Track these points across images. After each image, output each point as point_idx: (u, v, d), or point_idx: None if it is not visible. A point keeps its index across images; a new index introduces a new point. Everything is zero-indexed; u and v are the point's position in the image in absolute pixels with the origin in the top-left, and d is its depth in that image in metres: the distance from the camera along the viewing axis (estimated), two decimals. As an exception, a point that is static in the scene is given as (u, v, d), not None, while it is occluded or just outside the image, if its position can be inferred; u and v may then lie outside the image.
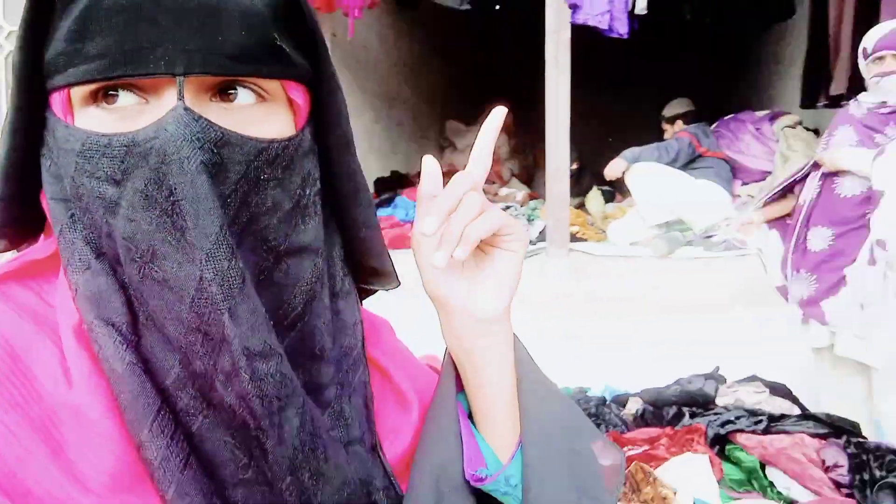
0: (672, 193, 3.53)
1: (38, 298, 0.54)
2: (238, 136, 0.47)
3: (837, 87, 3.00)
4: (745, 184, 3.85)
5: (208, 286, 0.45)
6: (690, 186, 3.58)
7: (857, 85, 2.95)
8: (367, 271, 0.61)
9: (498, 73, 6.86)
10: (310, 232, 0.53)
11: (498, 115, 0.58)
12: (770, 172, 3.72)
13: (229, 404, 0.47)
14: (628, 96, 6.27)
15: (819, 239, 2.26)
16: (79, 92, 0.48)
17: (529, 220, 3.97)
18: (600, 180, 4.58)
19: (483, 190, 0.58)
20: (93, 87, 0.47)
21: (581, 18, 3.50)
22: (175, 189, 0.45)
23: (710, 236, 3.42)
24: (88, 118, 0.48)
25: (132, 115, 0.48)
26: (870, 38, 2.21)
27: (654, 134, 4.23)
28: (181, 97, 0.46)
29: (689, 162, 3.75)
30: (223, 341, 0.46)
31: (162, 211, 0.46)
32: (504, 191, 4.65)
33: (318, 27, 0.54)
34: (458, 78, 6.87)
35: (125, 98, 0.48)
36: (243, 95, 0.49)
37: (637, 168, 3.65)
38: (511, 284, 0.56)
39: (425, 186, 0.56)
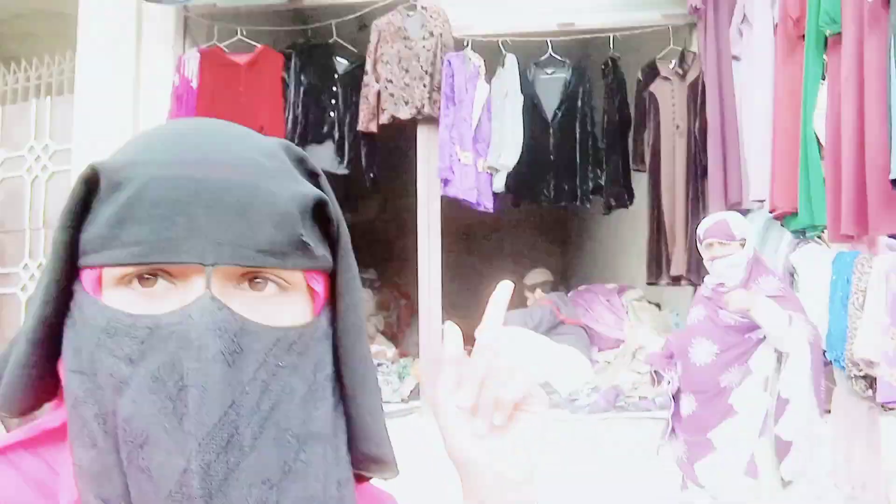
0: (536, 358, 3.72)
1: (48, 467, 0.54)
2: (258, 326, 0.50)
3: (676, 268, 3.43)
4: (601, 350, 4.15)
5: (190, 479, 0.46)
6: (554, 351, 3.81)
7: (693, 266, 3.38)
8: (367, 458, 0.61)
9: (363, 230, 7.08)
10: (321, 418, 0.55)
11: (506, 289, 0.62)
12: (623, 340, 4.04)
13: None
14: (490, 262, 6.67)
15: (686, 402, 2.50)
16: (111, 273, 0.51)
17: (400, 377, 3.99)
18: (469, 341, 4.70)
19: None
20: (126, 270, 0.50)
21: (451, 192, 3.75)
22: (186, 374, 0.47)
23: (574, 400, 3.59)
24: (117, 297, 0.51)
25: (159, 297, 0.50)
26: (701, 227, 2.58)
27: (516, 299, 4.50)
28: (208, 286, 0.49)
29: (551, 328, 4.02)
30: None
31: (167, 395, 0.47)
32: (373, 348, 4.67)
33: (343, 221, 0.59)
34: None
35: (155, 282, 0.50)
36: (267, 285, 0.52)
37: (504, 332, 3.83)
38: (536, 445, 0.58)
39: (450, 351, 0.58)
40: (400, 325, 5.86)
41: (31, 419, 0.57)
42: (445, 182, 3.71)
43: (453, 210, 3.97)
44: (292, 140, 3.95)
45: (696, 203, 3.53)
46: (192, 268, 0.50)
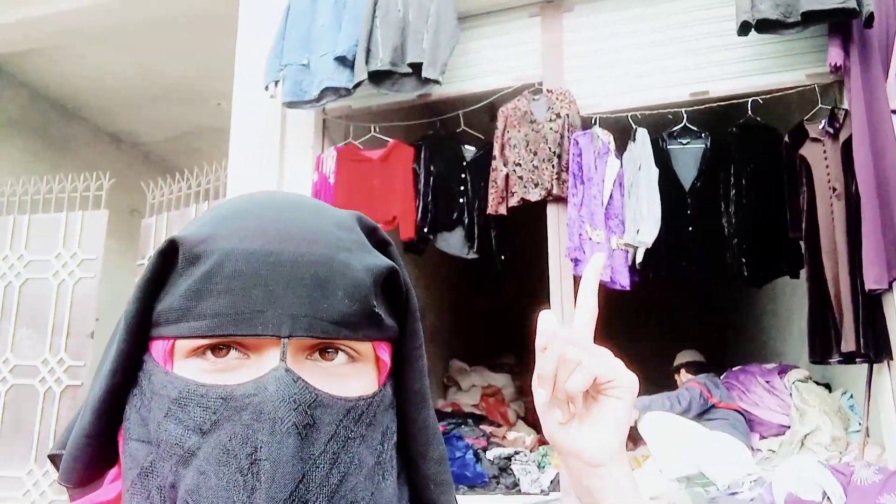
0: (690, 446, 3.42)
1: None
2: (329, 397, 0.50)
3: (847, 344, 3.05)
4: (763, 437, 3.76)
5: None
6: (708, 439, 3.49)
7: (869, 342, 3.01)
8: None
9: (502, 316, 7.02)
10: (389, 488, 0.54)
11: (598, 262, 0.64)
12: (788, 426, 3.64)
13: None
14: (632, 344, 6.36)
15: None
16: (185, 344, 0.51)
17: (540, 466, 3.80)
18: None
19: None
20: (200, 342, 0.50)
21: (582, 272, 3.62)
22: (260, 448, 0.46)
23: (734, 493, 3.24)
24: (188, 368, 0.51)
25: (231, 369, 0.50)
26: None
27: (659, 382, 4.22)
28: (284, 358, 0.49)
29: (702, 413, 3.70)
30: None
31: (237, 468, 0.46)
32: (512, 434, 4.52)
33: (412, 291, 0.58)
34: (461, 319, 7.02)
35: (227, 353, 0.51)
36: (338, 355, 0.52)
37: (650, 418, 3.58)
38: (619, 429, 0.59)
39: (539, 340, 0.59)
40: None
41: (89, 491, 0.56)
42: (576, 262, 3.61)
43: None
44: (423, 228, 4.02)
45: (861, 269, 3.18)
46: (267, 340, 0.50)
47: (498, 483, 3.74)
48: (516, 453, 3.92)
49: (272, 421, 0.47)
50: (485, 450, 4.04)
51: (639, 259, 3.60)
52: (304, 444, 0.47)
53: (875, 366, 3.23)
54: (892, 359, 3.12)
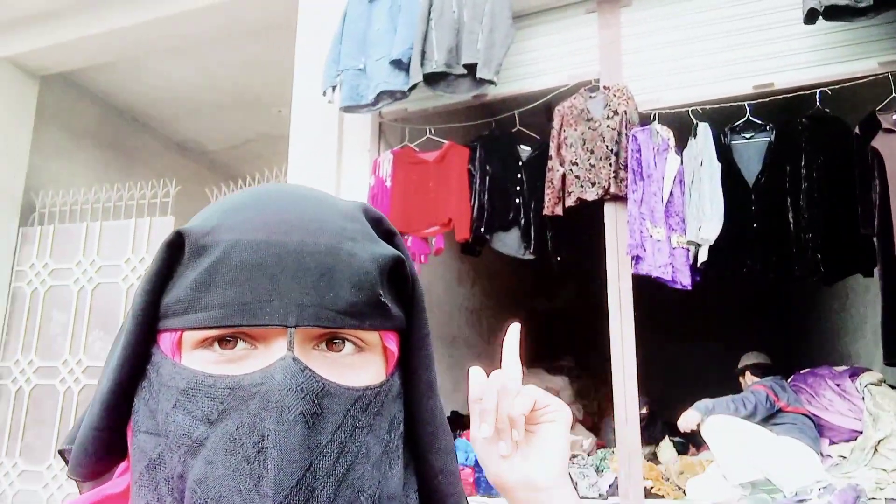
0: (755, 450, 3.30)
1: None
2: (337, 387, 0.50)
3: (927, 345, 2.90)
4: (833, 443, 3.60)
5: None
6: (774, 443, 3.36)
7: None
8: None
9: (559, 317, 6.96)
10: (395, 477, 0.54)
11: (514, 332, 0.67)
12: (860, 432, 3.48)
13: None
14: (695, 345, 6.21)
15: None
16: (192, 336, 0.51)
17: (598, 470, 3.73)
18: (672, 429, 4.36)
19: None
20: (207, 333, 0.50)
21: (644, 270, 3.55)
22: (267, 436, 0.46)
23: (802, 500, 3.12)
24: (196, 359, 0.51)
25: (238, 359, 0.51)
26: None
27: (723, 385, 4.09)
28: (290, 347, 0.49)
29: (769, 417, 3.57)
30: None
31: (244, 457, 0.46)
32: (570, 437, 4.46)
33: (418, 281, 0.59)
34: (519, 321, 6.96)
35: (235, 344, 0.51)
36: (345, 345, 0.53)
37: (714, 422, 3.48)
38: (558, 453, 0.61)
39: (473, 393, 0.62)
40: (601, 414, 5.56)
41: (98, 485, 0.57)
42: (636, 260, 3.53)
43: (648, 289, 3.75)
44: (479, 229, 4.01)
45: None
46: (274, 330, 0.50)
47: (556, 486, 3.69)
48: (574, 456, 3.87)
49: (279, 409, 0.47)
50: (542, 453, 3.99)
51: (702, 258, 3.51)
52: (311, 433, 0.47)
53: (957, 368, 3.06)
54: (976, 361, 2.96)
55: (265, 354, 0.50)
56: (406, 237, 4.12)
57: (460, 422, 4.69)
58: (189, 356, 0.52)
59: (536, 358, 6.41)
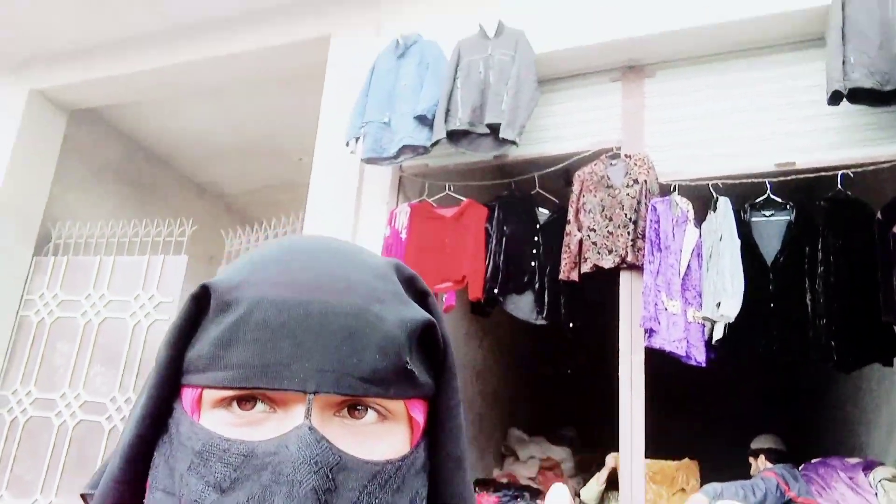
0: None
1: None
2: (354, 460, 0.47)
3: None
4: (847, 538, 3.46)
5: None
6: (786, 532, 3.24)
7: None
8: None
9: (566, 385, 6.84)
10: None
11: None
12: (877, 528, 3.34)
13: None
14: (706, 423, 6.07)
15: None
16: (211, 393, 0.50)
17: (600, 549, 3.59)
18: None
19: None
20: (227, 392, 0.49)
21: (657, 343, 3.49)
22: None
23: None
24: (214, 419, 0.50)
25: (257, 422, 0.49)
26: None
27: (733, 465, 3.97)
28: (308, 415, 0.47)
29: (779, 505, 3.45)
30: None
31: None
32: (571, 512, 4.31)
33: (450, 346, 0.56)
34: (524, 387, 6.86)
35: (254, 406, 0.49)
36: (367, 413, 0.50)
37: (724, 505, 3.36)
38: None
39: None
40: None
41: None
42: (650, 333, 3.47)
43: (660, 364, 3.68)
44: (492, 289, 3.98)
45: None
46: (293, 395, 0.48)
47: (554, 561, 3.55)
48: (576, 531, 3.73)
49: (290, 484, 0.45)
50: (542, 525, 3.87)
51: (717, 334, 3.45)
52: None
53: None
54: None
55: (283, 419, 0.48)
56: (417, 292, 4.09)
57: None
58: (208, 415, 0.50)
59: (539, 425, 6.27)
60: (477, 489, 4.50)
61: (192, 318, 0.52)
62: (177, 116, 5.88)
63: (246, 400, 0.49)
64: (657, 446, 3.66)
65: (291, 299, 0.49)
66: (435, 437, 0.56)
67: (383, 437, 0.51)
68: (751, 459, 3.98)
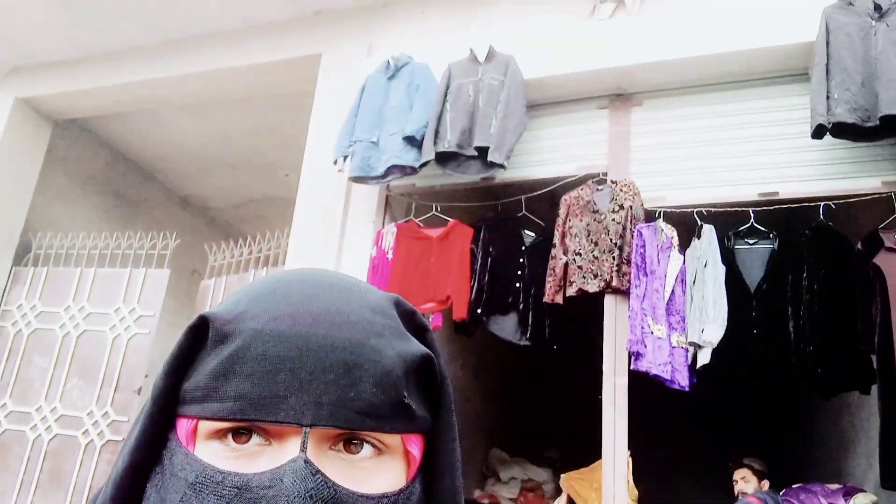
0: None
1: None
2: (350, 493, 0.47)
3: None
4: (826, 564, 3.49)
5: None
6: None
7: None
8: None
9: (549, 407, 6.84)
10: None
11: None
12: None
13: None
14: (685, 444, 6.10)
15: None
16: (207, 425, 0.50)
17: (581, 573, 3.58)
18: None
19: None
20: (222, 424, 0.49)
21: (643, 367, 3.51)
22: None
23: None
24: (209, 451, 0.50)
25: (252, 455, 0.49)
26: None
27: (713, 487, 3.99)
28: (304, 448, 0.47)
29: (761, 531, 3.48)
30: None
31: None
32: (551, 535, 4.31)
33: (447, 381, 0.56)
34: (507, 407, 6.86)
35: (249, 438, 0.49)
36: (363, 447, 0.50)
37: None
38: None
39: None
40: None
41: None
42: (636, 356, 3.50)
43: (644, 388, 3.70)
44: (476, 310, 3.99)
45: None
46: (289, 428, 0.48)
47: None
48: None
49: None
50: (523, 548, 3.85)
51: (702, 360, 3.48)
52: None
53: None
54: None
55: (278, 452, 0.48)
56: (403, 311, 4.09)
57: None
58: (203, 446, 0.50)
59: (522, 446, 6.26)
60: (458, 511, 4.48)
61: (190, 349, 0.52)
62: (163, 129, 5.85)
63: (241, 433, 0.49)
64: (637, 467, 3.67)
65: (290, 332, 0.49)
66: (430, 471, 0.56)
67: (379, 471, 0.51)
68: (735, 478, 3.99)
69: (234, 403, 0.48)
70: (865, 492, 3.75)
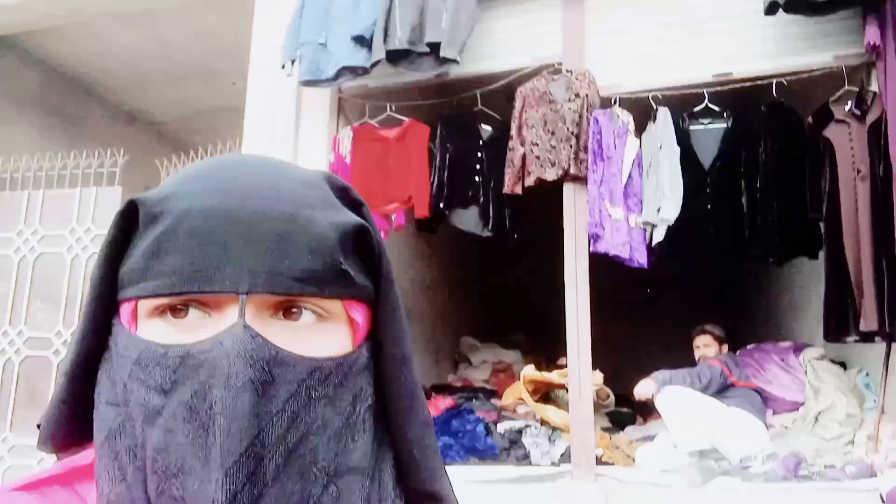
0: (706, 421, 3.46)
1: (78, 497, 0.53)
2: (292, 356, 0.49)
3: (867, 323, 3.08)
4: (776, 413, 3.80)
5: None
6: (724, 415, 3.53)
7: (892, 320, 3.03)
8: (421, 495, 0.59)
9: (514, 294, 7.07)
10: (359, 450, 0.53)
11: None
12: (802, 403, 3.68)
13: None
14: (649, 320, 6.41)
15: None
16: (146, 305, 0.51)
17: (550, 439, 3.85)
18: (620, 403, 4.52)
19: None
20: (160, 301, 0.50)
21: (602, 248, 3.64)
22: (215, 402, 0.46)
23: (746, 467, 3.29)
24: (150, 329, 0.51)
25: (192, 328, 0.50)
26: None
27: (677, 359, 4.24)
28: (242, 315, 0.48)
29: (720, 391, 3.74)
30: None
31: (200, 424, 0.47)
32: (522, 409, 4.56)
33: (384, 250, 0.57)
34: (473, 296, 7.06)
35: (187, 313, 0.50)
36: (304, 314, 0.51)
37: (669, 392, 3.62)
38: None
39: None
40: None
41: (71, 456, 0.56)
42: (595, 238, 3.63)
43: (604, 269, 3.86)
44: (437, 205, 4.03)
45: (887, 247, 3.19)
46: (227, 298, 0.49)
47: (509, 455, 3.80)
48: (527, 426, 3.97)
49: (227, 376, 0.46)
50: (496, 423, 4.09)
51: (657, 237, 3.62)
52: (260, 401, 0.47)
53: (894, 344, 3.26)
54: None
55: (218, 322, 0.49)
56: (366, 214, 4.12)
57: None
58: (144, 326, 0.51)
59: (490, 332, 6.51)
60: (433, 394, 4.69)
61: (122, 235, 0.53)
62: (100, 41, 5.55)
63: (179, 308, 0.50)
64: (601, 346, 3.88)
65: (219, 207, 0.50)
66: (379, 340, 0.56)
67: (322, 336, 0.52)
68: (695, 344, 4.21)
69: (168, 279, 0.49)
70: (814, 346, 4.04)
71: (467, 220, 4.29)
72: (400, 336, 0.58)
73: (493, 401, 4.63)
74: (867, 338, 3.21)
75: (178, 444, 0.47)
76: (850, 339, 3.26)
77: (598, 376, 3.98)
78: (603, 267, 3.82)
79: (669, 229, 3.60)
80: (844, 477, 3.12)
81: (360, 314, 0.55)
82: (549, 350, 5.67)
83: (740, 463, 3.35)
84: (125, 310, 0.52)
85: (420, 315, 6.03)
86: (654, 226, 3.64)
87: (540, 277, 5.13)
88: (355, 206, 0.57)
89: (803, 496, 3.09)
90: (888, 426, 3.27)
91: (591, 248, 3.65)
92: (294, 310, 0.51)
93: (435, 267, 6.31)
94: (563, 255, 3.76)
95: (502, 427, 4.02)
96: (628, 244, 3.66)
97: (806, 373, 3.76)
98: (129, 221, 0.53)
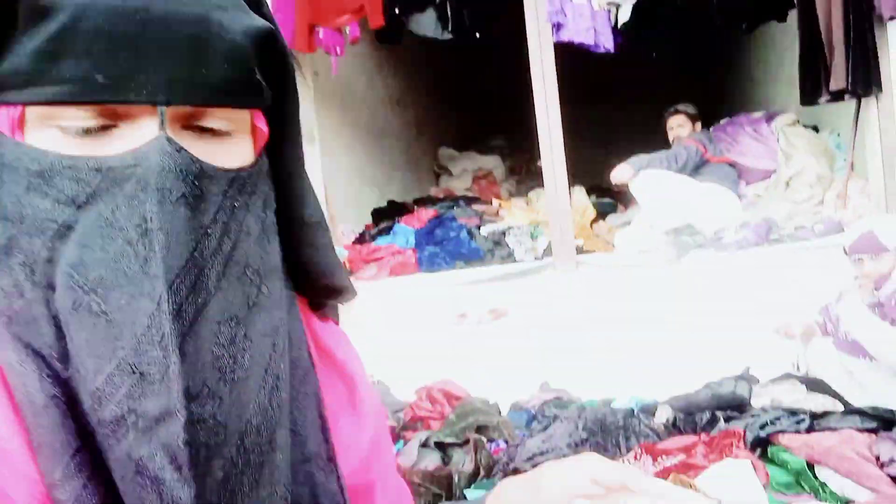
0: (680, 199, 3.51)
1: None
2: (213, 168, 0.48)
3: (837, 82, 3.02)
4: (749, 183, 3.84)
5: (162, 321, 0.44)
6: (697, 191, 3.57)
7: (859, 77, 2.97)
8: (322, 290, 0.62)
9: (486, 97, 6.90)
10: (275, 252, 0.55)
11: None
12: (775, 171, 3.71)
13: (140, 456, 0.44)
14: (617, 106, 6.32)
15: None
16: (37, 112, 0.46)
17: (533, 237, 3.94)
18: (602, 194, 4.58)
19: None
20: (56, 109, 0.45)
21: (566, 36, 3.50)
22: (151, 218, 0.44)
23: (720, 238, 3.39)
24: (45, 138, 0.46)
25: (99, 139, 0.46)
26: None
27: (647, 143, 4.22)
28: (163, 127, 0.46)
29: (696, 168, 3.75)
30: (163, 381, 0.44)
31: (125, 240, 0.44)
32: (504, 211, 4.64)
33: (290, 56, 0.55)
34: (446, 106, 6.91)
35: (94, 123, 0.46)
36: (216, 125, 0.49)
37: (643, 176, 3.63)
38: None
39: None
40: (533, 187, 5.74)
41: None
42: (558, 27, 3.46)
43: (570, 58, 3.71)
44: (392, 9, 3.81)
45: (858, 3, 3.05)
46: (140, 108, 0.46)
47: (493, 256, 3.90)
48: (510, 228, 4.04)
49: (160, 191, 0.44)
50: (479, 227, 4.16)
51: (624, 17, 3.46)
52: (194, 215, 0.46)
53: (863, 101, 3.22)
54: (880, 92, 3.12)
55: (132, 134, 0.46)
56: (317, 29, 3.89)
57: (398, 210, 4.81)
58: (35, 135, 0.46)
59: (468, 140, 6.44)
60: (415, 207, 4.74)
61: None
62: None
63: (80, 118, 0.46)
64: (575, 137, 3.83)
65: (125, 6, 0.44)
66: (276, 143, 0.56)
67: (232, 147, 0.50)
68: (669, 125, 4.12)
69: (73, 86, 0.44)
70: (787, 112, 4.00)
71: (425, 23, 4.07)
72: (297, 137, 0.58)
73: (475, 206, 4.68)
74: (837, 97, 3.16)
75: (96, 260, 0.44)
76: (823, 99, 3.22)
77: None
78: (569, 58, 3.68)
79: (634, 7, 3.42)
80: (813, 236, 3.22)
81: (262, 121, 0.53)
82: (528, 152, 5.65)
83: (714, 235, 3.44)
84: (3, 115, 0.46)
85: (393, 131, 5.93)
86: (618, 6, 3.45)
87: (510, 77, 4.95)
88: (257, 5, 0.53)
89: (774, 258, 3.21)
90: (856, 182, 3.32)
91: (554, 38, 3.50)
92: (204, 121, 0.49)
93: (402, 80, 6.10)
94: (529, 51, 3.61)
95: (486, 230, 4.10)
96: (592, 28, 3.50)
97: (778, 140, 3.75)
98: (3, 15, 0.45)
